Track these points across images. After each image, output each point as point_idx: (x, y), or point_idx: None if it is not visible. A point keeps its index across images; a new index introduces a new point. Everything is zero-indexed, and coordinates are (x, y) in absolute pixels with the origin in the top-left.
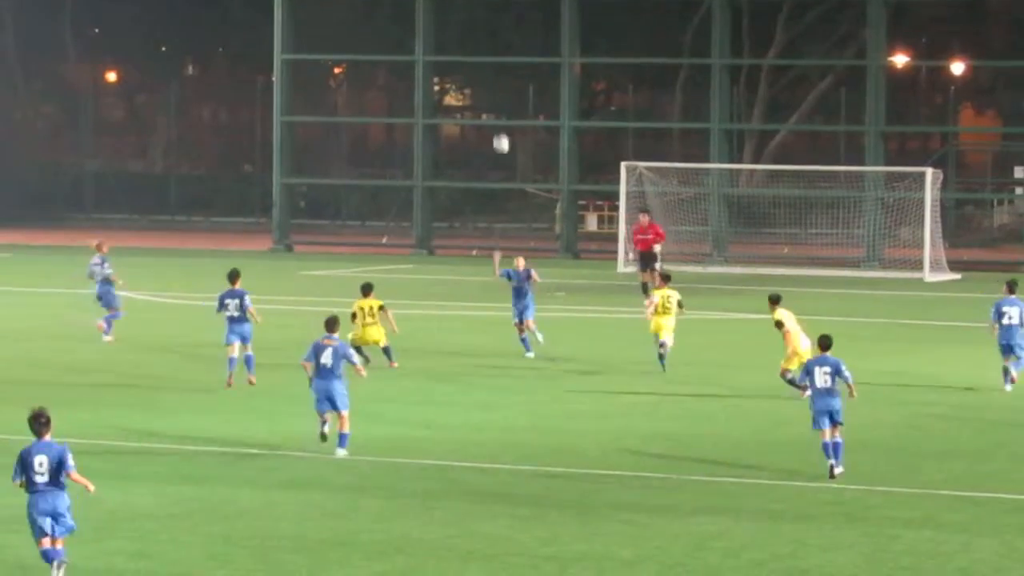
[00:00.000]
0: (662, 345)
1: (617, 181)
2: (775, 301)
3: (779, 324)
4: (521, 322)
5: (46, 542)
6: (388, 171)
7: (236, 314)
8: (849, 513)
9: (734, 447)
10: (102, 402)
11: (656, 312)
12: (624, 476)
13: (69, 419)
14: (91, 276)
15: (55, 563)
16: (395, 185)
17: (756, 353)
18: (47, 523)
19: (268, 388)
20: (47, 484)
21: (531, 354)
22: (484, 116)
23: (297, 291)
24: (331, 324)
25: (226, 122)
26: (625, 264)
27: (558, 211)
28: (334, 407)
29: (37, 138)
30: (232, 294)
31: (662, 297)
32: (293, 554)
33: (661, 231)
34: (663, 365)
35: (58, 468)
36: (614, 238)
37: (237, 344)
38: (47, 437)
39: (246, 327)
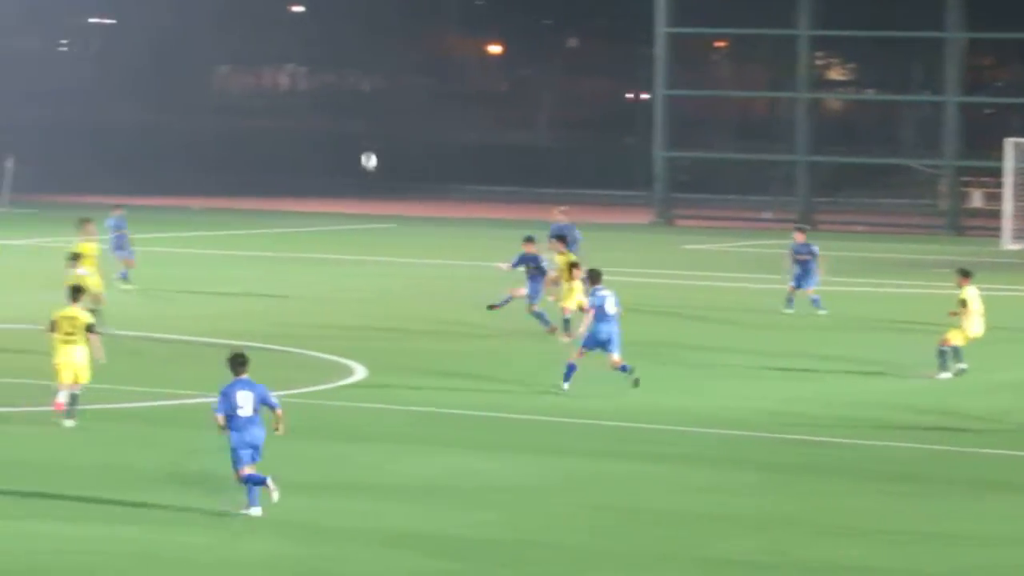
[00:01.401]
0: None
1: (1003, 157)
2: (966, 275)
3: (963, 303)
4: (797, 287)
5: (247, 470)
6: (770, 145)
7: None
8: None
9: None
10: (482, 374)
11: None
12: (1009, 455)
13: (447, 389)
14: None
15: (269, 481)
16: (777, 159)
17: None
18: (248, 454)
19: (632, 360)
20: (249, 418)
21: (789, 310)
22: (867, 91)
23: (678, 265)
24: (596, 276)
25: (608, 95)
26: (1012, 241)
27: (941, 187)
28: (607, 350)
29: (420, 110)
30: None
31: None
32: (664, 527)
33: None
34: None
35: (258, 404)
36: (999, 215)
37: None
38: (245, 376)
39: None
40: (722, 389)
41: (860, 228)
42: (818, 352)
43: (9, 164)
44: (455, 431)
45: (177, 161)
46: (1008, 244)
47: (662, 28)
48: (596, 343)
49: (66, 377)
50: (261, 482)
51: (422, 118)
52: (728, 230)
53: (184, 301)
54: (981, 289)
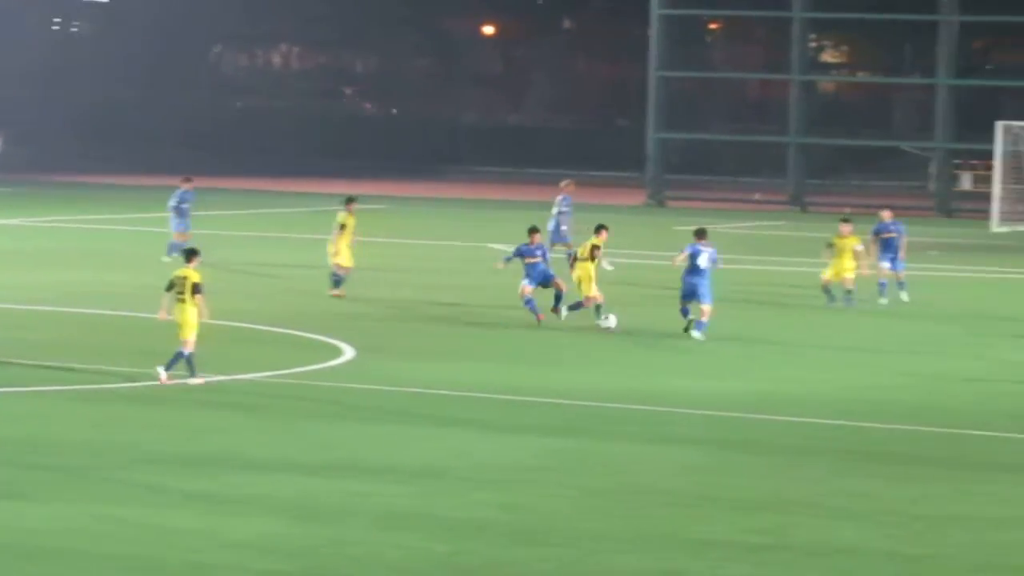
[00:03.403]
0: None
1: (993, 140)
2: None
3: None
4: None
5: None
6: (763, 127)
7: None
8: None
9: None
10: (472, 354)
11: None
12: (994, 436)
13: (438, 370)
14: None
15: None
16: (769, 141)
17: None
18: None
19: (635, 342)
20: None
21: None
22: (860, 73)
23: (670, 246)
24: (701, 233)
25: (601, 76)
26: (1000, 223)
27: (931, 169)
28: (698, 299)
29: (415, 91)
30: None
31: None
32: (661, 508)
33: None
34: None
35: None
36: (988, 197)
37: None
38: None
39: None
40: (723, 370)
41: (850, 210)
42: (812, 333)
43: None
44: (448, 411)
45: (172, 140)
46: (996, 227)
47: (656, 9)
48: (688, 294)
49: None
50: None
51: (416, 98)
52: (719, 211)
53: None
54: (972, 271)
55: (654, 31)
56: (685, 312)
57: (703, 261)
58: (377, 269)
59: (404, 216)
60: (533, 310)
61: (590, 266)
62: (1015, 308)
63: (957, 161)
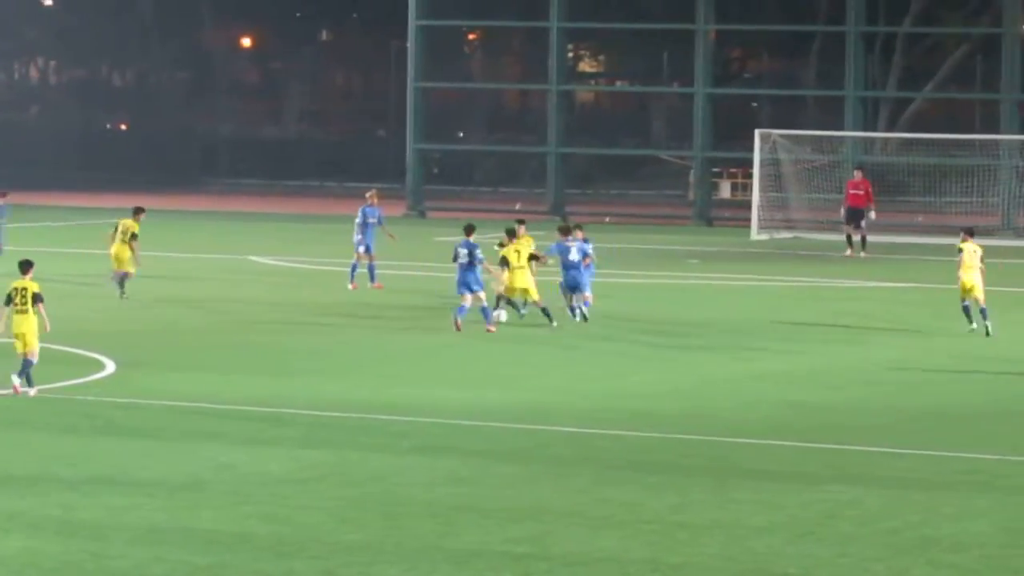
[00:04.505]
0: (973, 303)
1: (751, 148)
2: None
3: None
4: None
5: None
6: (523, 137)
7: (465, 262)
8: (982, 482)
9: (866, 415)
10: (233, 367)
11: (964, 266)
12: (757, 444)
13: (199, 382)
14: (362, 222)
15: None
16: (528, 151)
17: (888, 321)
18: None
19: (397, 353)
20: None
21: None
22: (618, 82)
23: (429, 257)
24: (565, 229)
25: (360, 88)
26: (759, 231)
27: (691, 178)
28: (580, 290)
29: (171, 103)
30: (466, 244)
31: (968, 252)
32: (424, 519)
33: (870, 190)
34: (986, 328)
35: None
36: (747, 205)
37: (468, 295)
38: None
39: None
40: (485, 380)
41: (609, 219)
42: (570, 342)
43: None
44: (209, 425)
45: None
46: (756, 234)
47: (414, 20)
48: (571, 287)
49: (19, 346)
50: None
51: (174, 111)
52: (480, 221)
53: None
54: (732, 279)
55: (412, 42)
56: (572, 308)
57: (574, 255)
58: (137, 281)
59: (163, 228)
60: (457, 318)
61: (529, 272)
62: (775, 315)
63: (716, 169)
